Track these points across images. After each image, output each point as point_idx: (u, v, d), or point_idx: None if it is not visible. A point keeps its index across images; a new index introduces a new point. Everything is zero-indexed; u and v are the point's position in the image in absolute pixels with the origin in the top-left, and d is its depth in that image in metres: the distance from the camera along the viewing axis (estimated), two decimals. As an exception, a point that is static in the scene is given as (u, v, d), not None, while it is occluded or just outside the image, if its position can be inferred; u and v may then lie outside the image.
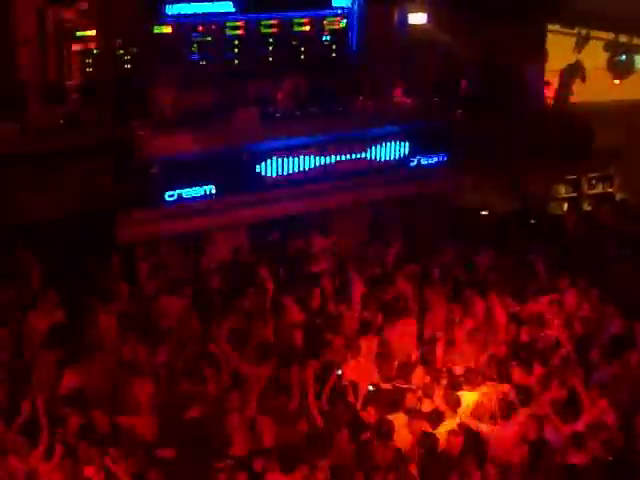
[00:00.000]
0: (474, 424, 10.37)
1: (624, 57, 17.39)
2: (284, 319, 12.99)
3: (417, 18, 18.29)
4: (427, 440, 10.02)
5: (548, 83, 19.43)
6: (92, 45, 16.10)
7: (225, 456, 9.76)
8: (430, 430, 10.27)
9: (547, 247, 15.82)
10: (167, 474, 9.45)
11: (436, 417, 10.59)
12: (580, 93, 19.06)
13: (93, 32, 15.94)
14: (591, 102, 18.99)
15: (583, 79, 18.56)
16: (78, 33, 15.75)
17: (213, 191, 15.39)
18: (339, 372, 11.17)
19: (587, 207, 19.36)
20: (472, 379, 11.15)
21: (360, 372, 11.56)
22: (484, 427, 10.36)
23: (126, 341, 11.93)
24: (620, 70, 17.75)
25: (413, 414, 10.49)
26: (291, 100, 16.53)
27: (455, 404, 10.64)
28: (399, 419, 10.40)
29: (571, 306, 13.50)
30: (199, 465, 9.63)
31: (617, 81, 17.69)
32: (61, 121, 14.76)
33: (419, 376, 11.47)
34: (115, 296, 13.33)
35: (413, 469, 9.72)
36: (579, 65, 18.49)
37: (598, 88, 18.61)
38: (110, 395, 10.82)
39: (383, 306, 13.42)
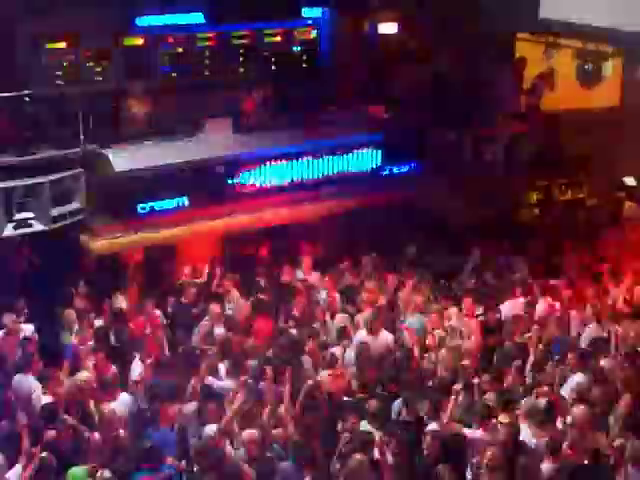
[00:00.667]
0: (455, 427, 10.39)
1: (591, 65, 17.52)
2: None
3: (387, 28, 18.37)
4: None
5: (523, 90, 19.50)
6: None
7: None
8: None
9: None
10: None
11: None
12: (552, 101, 19.20)
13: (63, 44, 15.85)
14: (563, 110, 19.11)
15: (552, 87, 18.69)
16: (48, 45, 15.64)
17: (186, 203, 15.40)
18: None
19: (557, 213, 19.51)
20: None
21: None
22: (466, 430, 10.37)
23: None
24: (588, 78, 17.88)
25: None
26: (259, 110, 16.52)
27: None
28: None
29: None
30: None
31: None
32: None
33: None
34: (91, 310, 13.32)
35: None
36: (549, 73, 18.60)
37: (569, 96, 18.74)
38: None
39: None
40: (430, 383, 11.64)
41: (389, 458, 9.65)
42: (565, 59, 18.13)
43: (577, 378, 11.38)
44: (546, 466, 9.63)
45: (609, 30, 15.18)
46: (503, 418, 10.16)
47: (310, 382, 11.01)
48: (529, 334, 12.65)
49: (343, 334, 12.78)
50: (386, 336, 12.66)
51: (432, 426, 10.30)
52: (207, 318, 13.16)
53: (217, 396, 10.77)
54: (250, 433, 9.79)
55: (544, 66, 18.57)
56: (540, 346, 12.25)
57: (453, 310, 13.58)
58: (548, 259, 16.40)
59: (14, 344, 12.19)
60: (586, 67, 17.68)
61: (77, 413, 10.50)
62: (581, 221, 19.29)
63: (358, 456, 9.35)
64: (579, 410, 10.17)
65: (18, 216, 13.68)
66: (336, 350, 12.26)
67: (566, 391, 11.26)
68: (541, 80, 18.87)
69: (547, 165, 18.94)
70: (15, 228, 13.72)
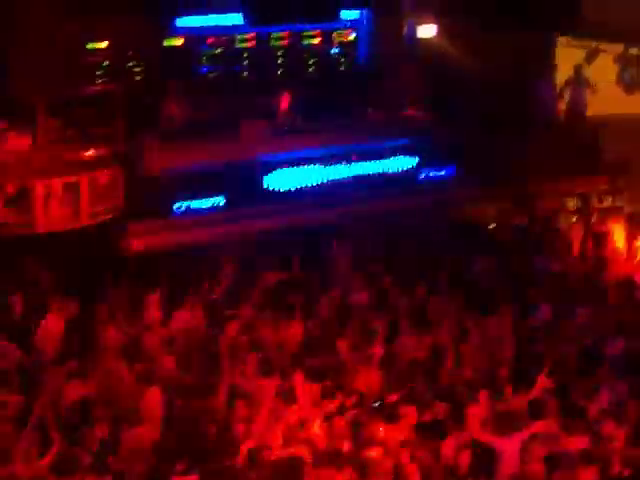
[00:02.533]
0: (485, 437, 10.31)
1: (633, 70, 17.38)
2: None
3: (426, 31, 18.31)
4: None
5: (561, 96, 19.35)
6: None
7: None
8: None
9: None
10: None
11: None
12: (592, 106, 19.04)
13: (104, 44, 15.99)
14: (603, 115, 18.93)
15: (592, 91, 18.52)
16: (89, 46, 15.79)
17: (222, 203, 15.45)
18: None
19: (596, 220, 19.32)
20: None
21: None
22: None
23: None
24: (629, 83, 17.74)
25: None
26: (295, 112, 16.53)
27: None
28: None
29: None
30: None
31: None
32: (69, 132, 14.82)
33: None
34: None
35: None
36: (584, 78, 18.45)
37: (610, 101, 18.59)
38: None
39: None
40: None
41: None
42: (607, 63, 18.02)
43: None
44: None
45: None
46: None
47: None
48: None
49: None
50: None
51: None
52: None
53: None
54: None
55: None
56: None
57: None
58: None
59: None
60: (628, 72, 17.56)
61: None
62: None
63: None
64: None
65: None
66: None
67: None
68: (567, 86, 18.70)
69: (586, 170, 18.75)
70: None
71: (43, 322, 12.57)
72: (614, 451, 10.00)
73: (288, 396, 10.90)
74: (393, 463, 9.56)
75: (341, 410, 10.69)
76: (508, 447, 10.00)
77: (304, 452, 9.62)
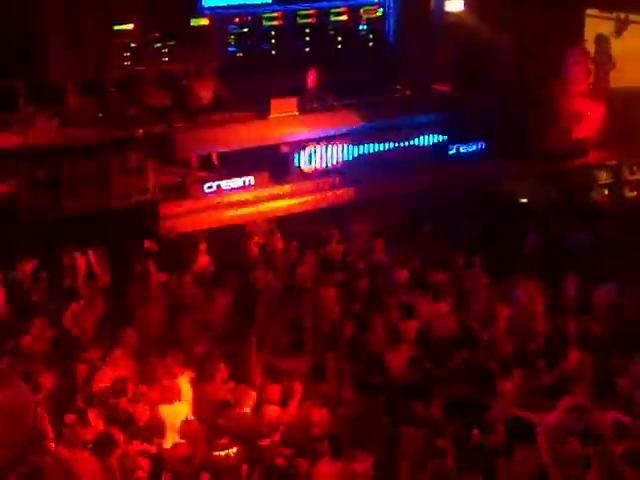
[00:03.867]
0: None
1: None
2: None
3: (454, 5, 18.20)
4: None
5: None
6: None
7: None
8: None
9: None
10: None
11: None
12: (619, 78, 18.85)
13: (131, 26, 16.01)
14: (631, 87, 18.74)
15: (613, 66, 18.33)
16: (116, 27, 15.81)
17: (252, 182, 15.46)
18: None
19: (628, 193, 19.19)
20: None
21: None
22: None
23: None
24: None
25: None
26: (324, 90, 16.47)
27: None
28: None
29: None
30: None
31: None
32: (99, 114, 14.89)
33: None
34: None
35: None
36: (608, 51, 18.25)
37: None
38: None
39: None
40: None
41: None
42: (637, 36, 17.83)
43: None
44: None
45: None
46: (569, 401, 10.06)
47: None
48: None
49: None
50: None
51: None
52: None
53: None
54: None
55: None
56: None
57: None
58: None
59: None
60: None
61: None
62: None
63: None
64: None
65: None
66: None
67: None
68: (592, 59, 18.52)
69: (616, 144, 18.59)
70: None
71: (75, 305, 12.60)
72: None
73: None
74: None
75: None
76: (545, 421, 9.98)
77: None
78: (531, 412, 10.21)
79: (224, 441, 9.44)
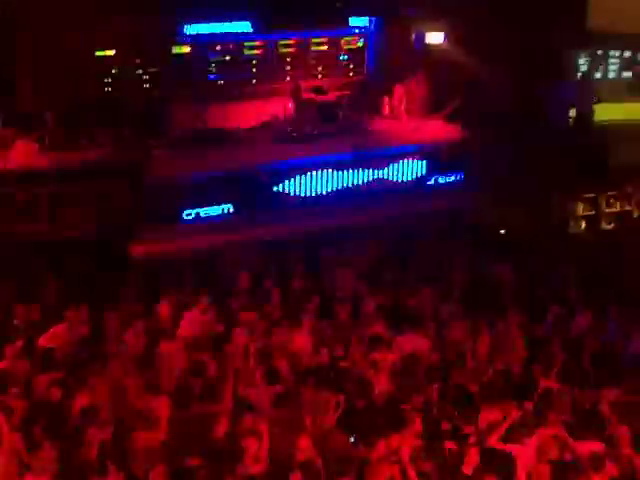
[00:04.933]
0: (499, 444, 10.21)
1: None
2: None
3: (435, 37, 18.31)
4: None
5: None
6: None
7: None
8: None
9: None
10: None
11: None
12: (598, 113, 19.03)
13: (112, 52, 16.01)
14: (610, 121, 18.92)
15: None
16: (97, 53, 15.82)
17: (231, 210, 15.41)
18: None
19: (605, 225, 19.27)
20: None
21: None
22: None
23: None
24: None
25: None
26: (305, 119, 16.50)
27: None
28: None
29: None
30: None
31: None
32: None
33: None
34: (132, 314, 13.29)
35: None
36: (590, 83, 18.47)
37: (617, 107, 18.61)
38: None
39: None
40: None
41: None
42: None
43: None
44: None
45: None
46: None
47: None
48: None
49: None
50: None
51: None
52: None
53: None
54: None
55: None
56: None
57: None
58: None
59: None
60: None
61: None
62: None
63: None
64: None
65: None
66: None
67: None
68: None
69: (595, 176, 18.70)
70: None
71: (53, 331, 12.45)
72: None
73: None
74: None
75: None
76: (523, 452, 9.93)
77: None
78: (508, 443, 10.19)
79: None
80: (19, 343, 11.65)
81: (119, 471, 9.37)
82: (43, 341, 12.02)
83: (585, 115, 18.96)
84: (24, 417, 10.11)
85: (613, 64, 19.40)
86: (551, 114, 18.56)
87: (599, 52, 19.15)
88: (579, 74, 19.16)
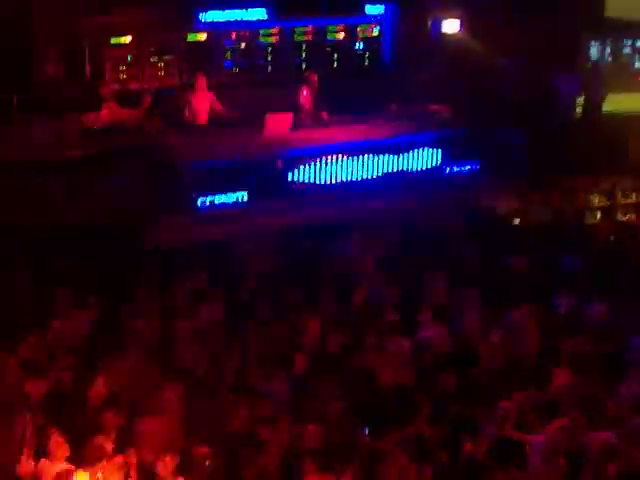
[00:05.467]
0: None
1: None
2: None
3: (451, 25, 18.25)
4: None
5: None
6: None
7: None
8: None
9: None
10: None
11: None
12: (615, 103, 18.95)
13: (128, 39, 16.01)
14: (624, 110, 18.83)
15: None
16: (112, 40, 15.82)
17: (245, 198, 15.39)
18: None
19: (621, 217, 19.21)
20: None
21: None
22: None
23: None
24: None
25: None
26: (320, 107, 16.44)
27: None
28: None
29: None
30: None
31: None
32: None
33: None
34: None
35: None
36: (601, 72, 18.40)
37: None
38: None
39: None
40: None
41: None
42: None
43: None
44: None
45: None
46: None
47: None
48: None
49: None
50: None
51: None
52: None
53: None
54: None
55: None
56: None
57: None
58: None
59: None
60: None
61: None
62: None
63: None
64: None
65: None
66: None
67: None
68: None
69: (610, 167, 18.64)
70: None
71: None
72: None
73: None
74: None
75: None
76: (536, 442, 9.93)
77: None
78: (521, 432, 10.20)
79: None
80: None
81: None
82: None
83: (594, 104, 18.88)
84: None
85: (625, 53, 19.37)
86: (561, 101, 18.51)
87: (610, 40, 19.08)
88: (590, 62, 19.09)
